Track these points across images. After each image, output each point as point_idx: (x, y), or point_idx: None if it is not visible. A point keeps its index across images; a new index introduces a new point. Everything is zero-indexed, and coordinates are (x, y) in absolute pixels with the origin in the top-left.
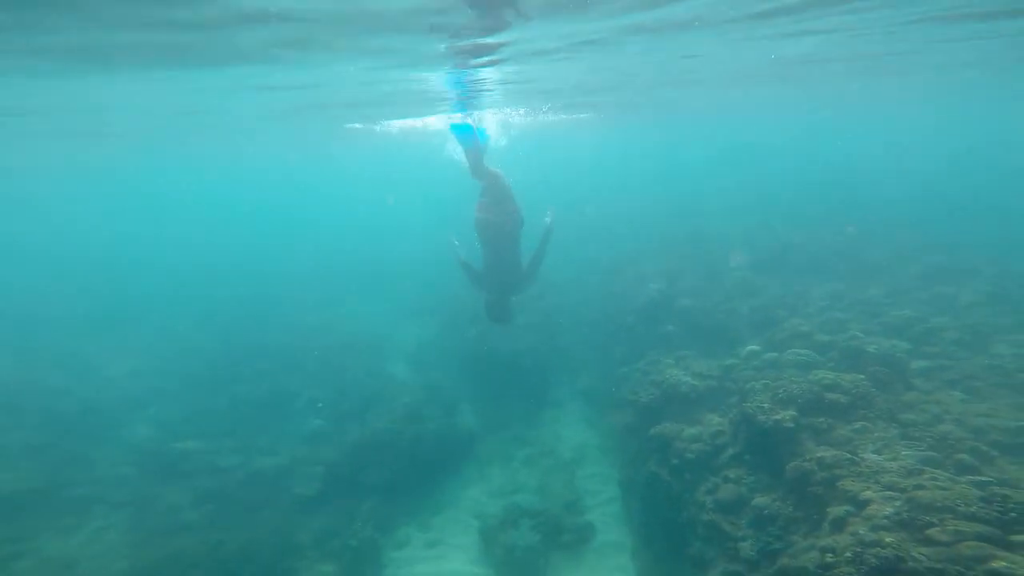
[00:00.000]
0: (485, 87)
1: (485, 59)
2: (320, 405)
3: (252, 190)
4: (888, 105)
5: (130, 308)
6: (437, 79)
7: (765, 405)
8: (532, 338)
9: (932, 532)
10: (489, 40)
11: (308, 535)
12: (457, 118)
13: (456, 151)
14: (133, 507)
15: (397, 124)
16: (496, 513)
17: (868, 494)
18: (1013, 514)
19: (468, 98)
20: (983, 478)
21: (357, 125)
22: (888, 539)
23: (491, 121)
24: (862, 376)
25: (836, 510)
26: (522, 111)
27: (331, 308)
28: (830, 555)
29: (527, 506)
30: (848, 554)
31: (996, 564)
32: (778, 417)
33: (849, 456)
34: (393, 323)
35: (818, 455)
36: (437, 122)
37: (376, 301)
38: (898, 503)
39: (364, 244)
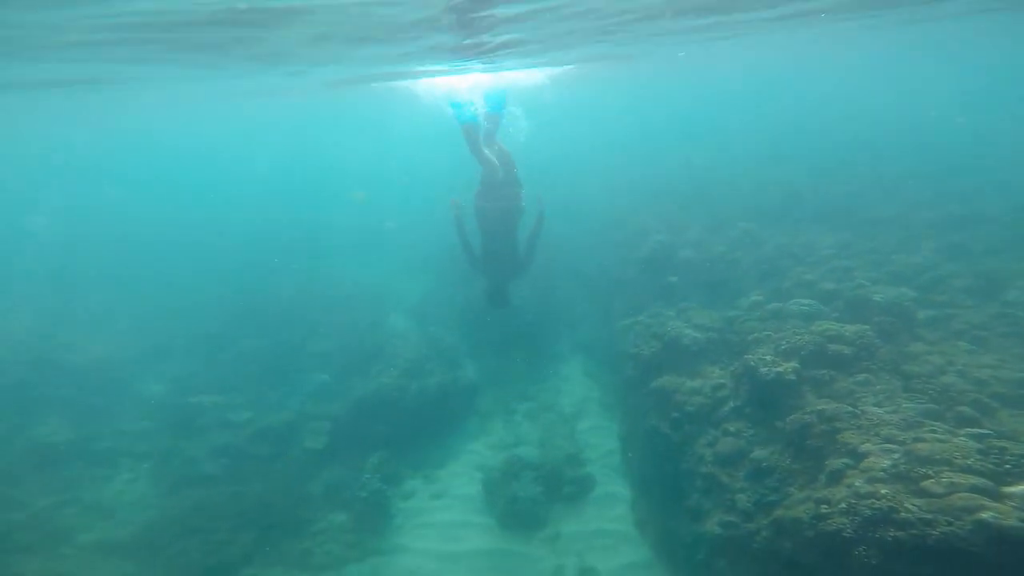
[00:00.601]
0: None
1: None
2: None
3: (255, 151)
4: (902, 51)
5: (134, 265)
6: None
7: (767, 357)
8: (532, 292)
9: (927, 484)
10: None
11: (319, 487)
12: (460, 94)
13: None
14: (155, 459)
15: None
16: (498, 465)
17: (867, 447)
18: (1008, 466)
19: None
20: (982, 430)
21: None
22: (883, 491)
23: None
24: (867, 327)
25: (834, 462)
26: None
27: (331, 265)
28: (825, 506)
29: (529, 459)
30: (843, 505)
31: (984, 514)
32: (780, 369)
33: (850, 409)
34: (394, 279)
35: (819, 408)
36: (445, 84)
37: (376, 258)
38: (896, 455)
39: (363, 210)
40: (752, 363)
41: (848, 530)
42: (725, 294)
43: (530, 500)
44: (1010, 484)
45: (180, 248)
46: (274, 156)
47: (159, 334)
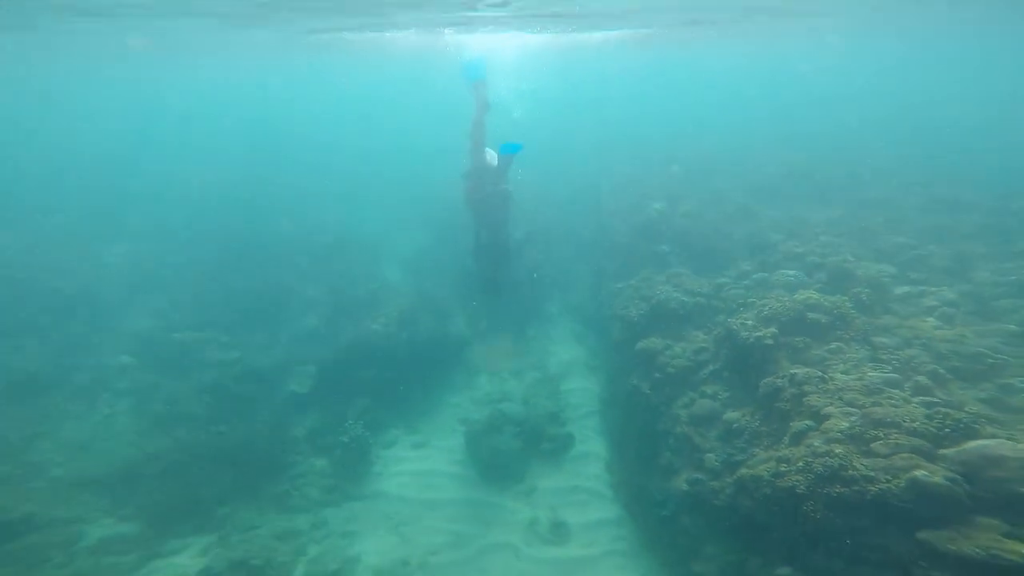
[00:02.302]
0: None
1: None
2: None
3: (253, 98)
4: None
5: (128, 200)
6: None
7: (749, 322)
8: (526, 251)
9: (875, 445)
10: None
11: (301, 430)
12: (470, 53)
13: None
14: (136, 396)
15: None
16: (481, 419)
17: (830, 410)
18: (947, 431)
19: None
20: (933, 399)
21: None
22: (838, 450)
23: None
24: (845, 298)
25: (798, 424)
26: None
27: (327, 212)
28: (784, 465)
29: (512, 414)
30: (800, 464)
31: (917, 473)
32: (759, 334)
33: (819, 375)
34: (391, 231)
35: (791, 371)
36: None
37: (375, 210)
38: (854, 418)
39: (362, 159)
40: (734, 327)
41: (801, 487)
42: (716, 263)
43: (510, 454)
44: (946, 447)
45: (175, 187)
46: (280, 106)
47: (147, 266)
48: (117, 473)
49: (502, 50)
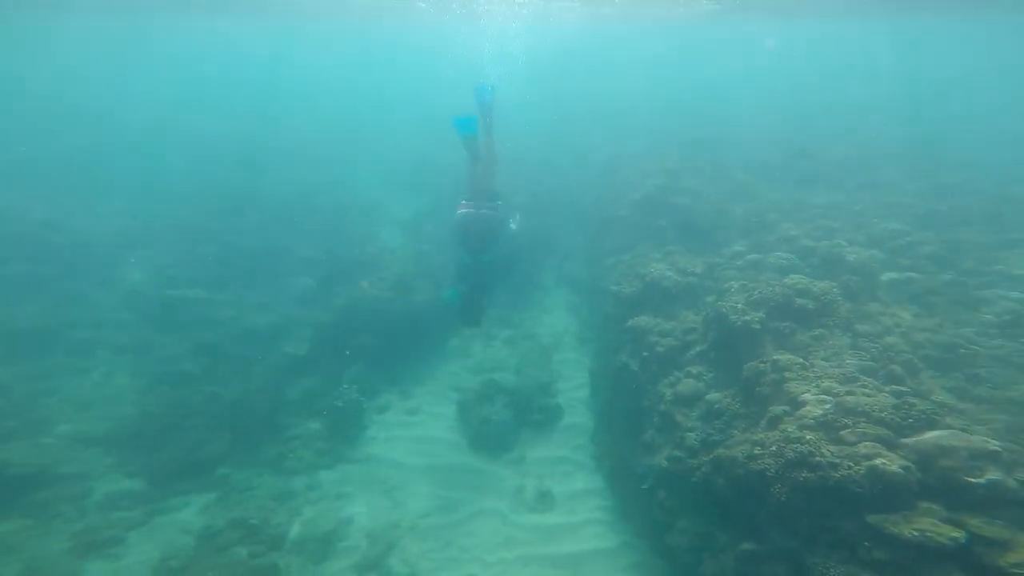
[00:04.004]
0: None
1: None
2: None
3: (256, 57)
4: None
5: (122, 154)
6: None
7: (739, 305)
8: (524, 221)
9: (844, 433)
10: None
11: (296, 393)
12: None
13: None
14: (134, 353)
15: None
16: (474, 388)
17: (806, 396)
18: (911, 420)
19: None
20: (903, 388)
21: None
22: (808, 436)
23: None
24: (834, 284)
25: (775, 409)
26: None
27: (325, 173)
28: (759, 448)
29: (503, 384)
30: (773, 448)
31: (877, 461)
32: (747, 318)
33: (801, 361)
34: (389, 193)
35: (774, 357)
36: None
37: (372, 172)
38: (827, 406)
39: (362, 121)
40: (723, 310)
41: (771, 470)
42: (711, 241)
43: (501, 424)
44: (908, 436)
45: (172, 143)
46: (282, 66)
47: (143, 221)
48: (119, 430)
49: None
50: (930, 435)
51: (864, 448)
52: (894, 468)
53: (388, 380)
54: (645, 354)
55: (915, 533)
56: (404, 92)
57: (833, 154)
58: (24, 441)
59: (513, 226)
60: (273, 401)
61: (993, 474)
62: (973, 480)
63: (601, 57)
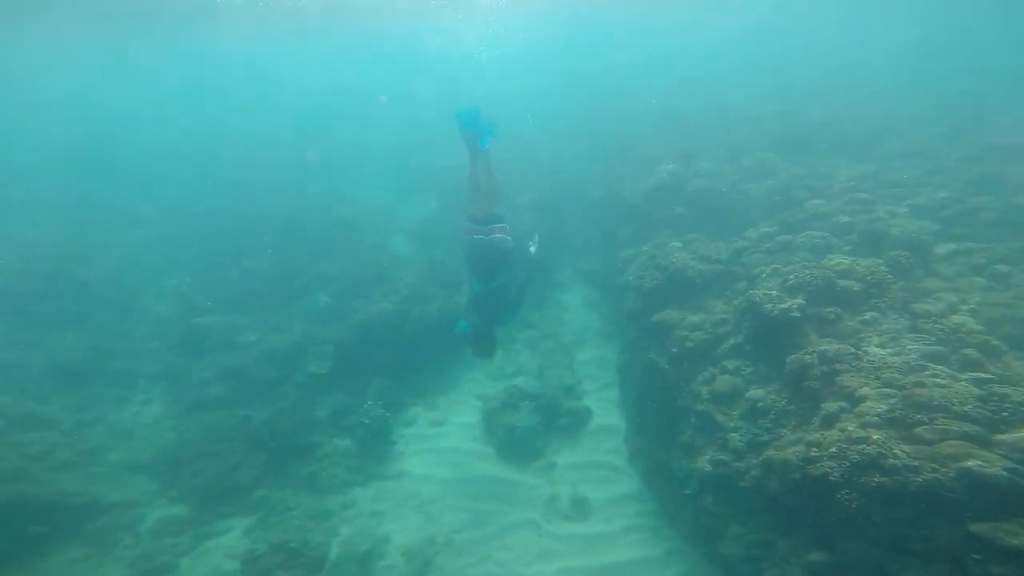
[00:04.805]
0: None
1: None
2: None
3: (250, 76)
4: None
5: (131, 184)
6: None
7: (772, 293)
8: (535, 217)
9: (920, 431)
10: None
11: (324, 412)
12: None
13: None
14: (166, 381)
15: None
16: (498, 395)
17: (865, 391)
18: (1006, 414)
19: None
20: (985, 375)
21: None
22: (875, 436)
23: None
24: (880, 261)
25: (830, 405)
26: None
27: (329, 184)
28: (815, 450)
29: (527, 389)
30: (833, 449)
31: (970, 463)
32: (784, 306)
33: (852, 350)
34: (395, 200)
35: (821, 348)
36: None
37: (374, 180)
38: (893, 400)
39: (359, 129)
40: (757, 299)
41: (835, 474)
42: (734, 225)
43: (527, 430)
44: (1003, 432)
45: (176, 170)
46: (280, 81)
47: (163, 250)
48: (161, 457)
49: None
50: None
51: (949, 448)
52: (995, 471)
53: (412, 393)
54: (675, 350)
55: None
56: (401, 93)
57: (859, 121)
58: (79, 472)
59: (532, 249)
60: (302, 421)
61: None
62: None
63: (602, 36)
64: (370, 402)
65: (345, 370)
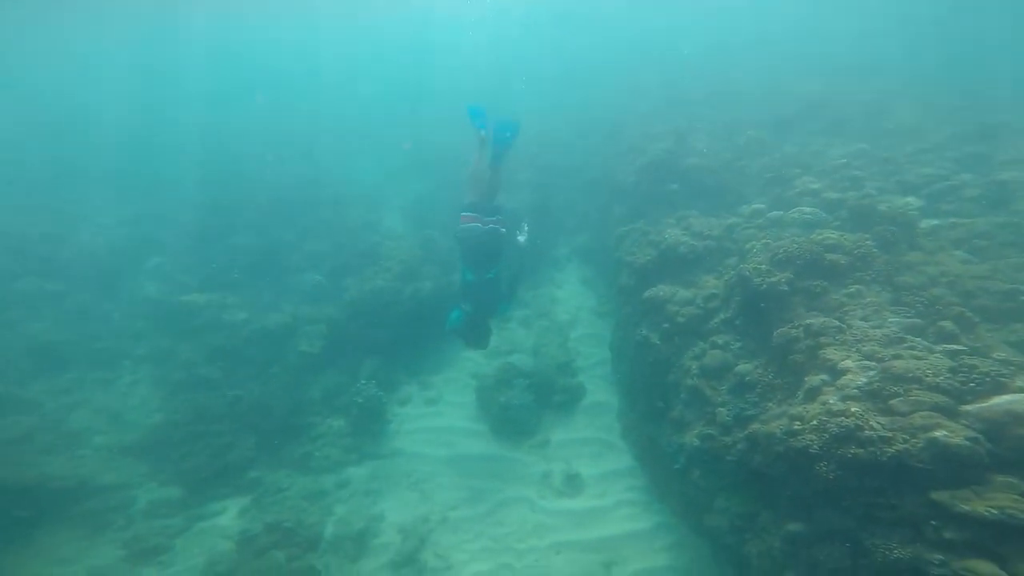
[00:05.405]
0: None
1: None
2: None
3: (240, 53)
4: None
5: (120, 161)
6: None
7: (762, 266)
8: (529, 195)
9: (895, 402)
10: None
11: (317, 392)
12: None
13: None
14: (153, 362)
15: None
16: (492, 373)
17: (847, 363)
18: (973, 384)
19: None
20: (958, 347)
21: None
22: (854, 409)
23: None
24: (867, 235)
25: (813, 379)
26: None
27: (319, 162)
28: (798, 423)
29: (521, 367)
30: (814, 423)
31: (937, 433)
32: (773, 280)
33: (836, 323)
34: (388, 179)
35: (806, 322)
36: None
37: (367, 157)
38: (872, 373)
39: (351, 104)
40: (746, 273)
41: (815, 447)
42: (727, 202)
43: (522, 408)
44: (969, 402)
45: (164, 145)
46: (270, 56)
47: (146, 228)
48: (150, 439)
49: None
50: (998, 400)
51: (919, 419)
52: (958, 440)
53: (406, 371)
54: (666, 326)
55: (993, 511)
56: (389, 70)
57: (851, 100)
58: (62, 455)
59: (521, 239)
60: (294, 401)
61: None
62: None
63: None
64: (363, 381)
65: (338, 349)
